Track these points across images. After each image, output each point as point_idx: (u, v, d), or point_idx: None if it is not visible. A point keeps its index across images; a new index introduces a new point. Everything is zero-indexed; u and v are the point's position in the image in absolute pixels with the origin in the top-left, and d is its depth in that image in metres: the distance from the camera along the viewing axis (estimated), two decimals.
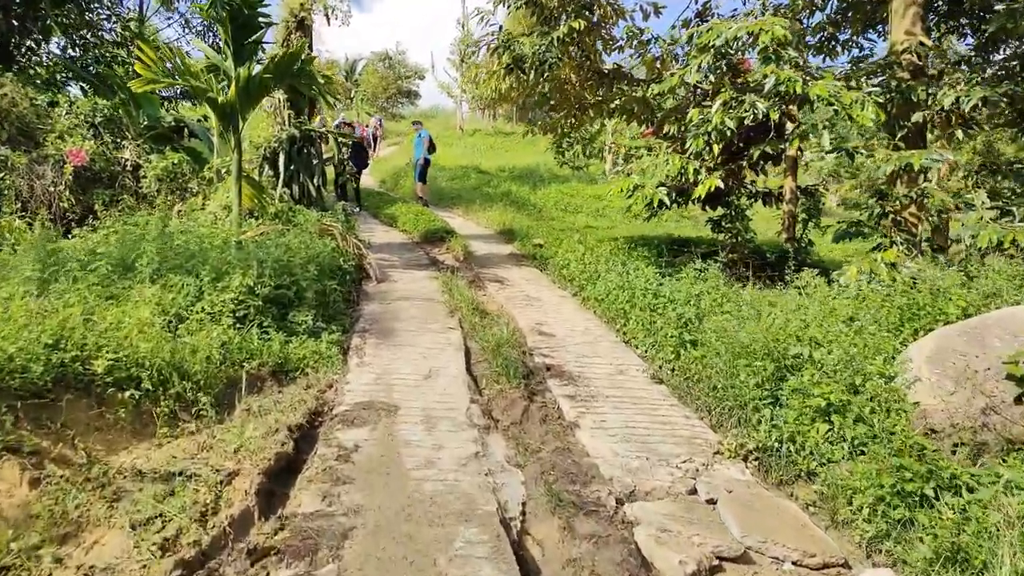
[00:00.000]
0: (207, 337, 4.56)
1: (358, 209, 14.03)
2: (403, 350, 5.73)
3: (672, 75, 7.55)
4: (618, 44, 9.48)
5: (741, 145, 8.22)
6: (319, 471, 3.63)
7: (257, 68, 7.24)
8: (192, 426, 4.01)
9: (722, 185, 7.73)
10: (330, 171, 13.98)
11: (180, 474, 3.36)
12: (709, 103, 7.41)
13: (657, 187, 7.33)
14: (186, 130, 9.97)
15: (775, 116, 6.91)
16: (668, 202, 7.06)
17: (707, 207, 9.51)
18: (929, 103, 7.75)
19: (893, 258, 6.48)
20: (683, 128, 7.57)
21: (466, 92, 36.90)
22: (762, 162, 8.38)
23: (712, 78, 7.74)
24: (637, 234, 12.22)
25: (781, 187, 10.65)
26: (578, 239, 10.87)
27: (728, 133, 6.94)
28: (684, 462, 4.16)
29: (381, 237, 11.55)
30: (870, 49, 11.43)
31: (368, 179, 21.37)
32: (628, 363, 5.94)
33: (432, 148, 15.39)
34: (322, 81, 7.75)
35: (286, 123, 8.87)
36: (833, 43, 11.10)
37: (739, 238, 9.27)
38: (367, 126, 31.06)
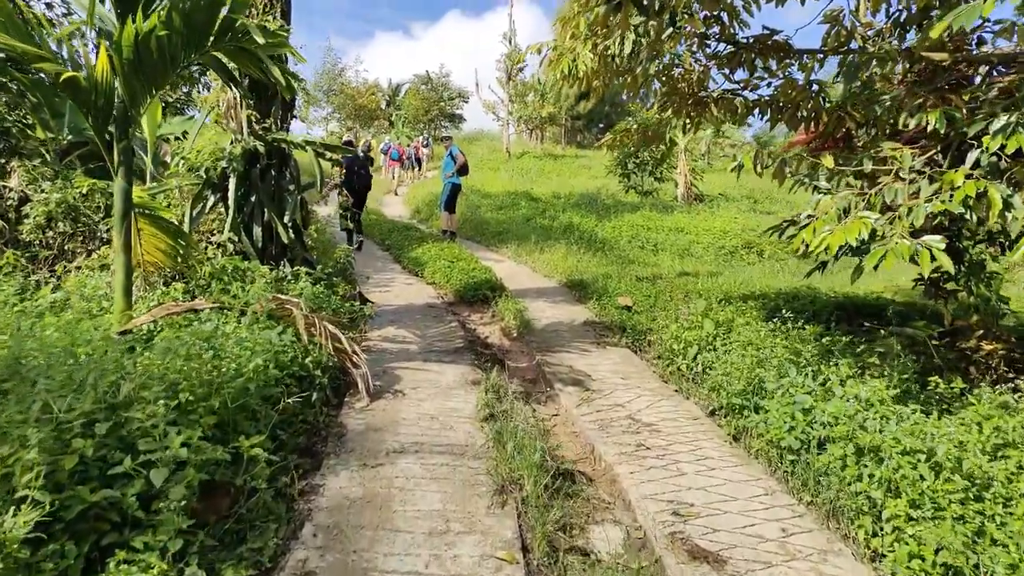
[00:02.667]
0: None
1: (356, 246, 10.80)
2: None
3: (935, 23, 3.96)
4: None
5: None
6: None
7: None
8: None
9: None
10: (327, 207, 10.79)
11: None
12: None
13: (919, 236, 3.57)
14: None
15: None
16: (951, 265, 3.39)
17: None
18: None
19: None
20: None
21: (512, 113, 33.99)
22: None
23: None
24: (766, 289, 8.54)
25: None
26: (689, 302, 7.29)
27: None
28: None
29: (399, 293, 8.17)
30: None
31: (399, 208, 18.23)
32: None
33: (464, 170, 12.04)
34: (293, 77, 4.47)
35: (242, 131, 5.65)
36: None
37: (980, 309, 5.57)
38: (408, 147, 28.43)
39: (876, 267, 3.53)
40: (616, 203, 17.97)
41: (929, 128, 3.88)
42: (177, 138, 6.77)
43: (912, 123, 4.10)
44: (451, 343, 6.19)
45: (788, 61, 6.17)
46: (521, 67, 32.09)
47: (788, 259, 13.99)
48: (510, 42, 33.16)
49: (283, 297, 4.50)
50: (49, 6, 9.64)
